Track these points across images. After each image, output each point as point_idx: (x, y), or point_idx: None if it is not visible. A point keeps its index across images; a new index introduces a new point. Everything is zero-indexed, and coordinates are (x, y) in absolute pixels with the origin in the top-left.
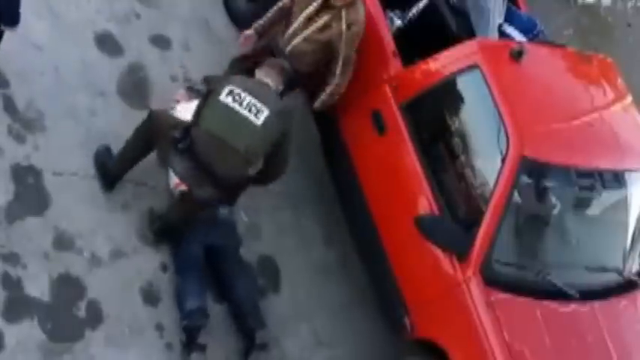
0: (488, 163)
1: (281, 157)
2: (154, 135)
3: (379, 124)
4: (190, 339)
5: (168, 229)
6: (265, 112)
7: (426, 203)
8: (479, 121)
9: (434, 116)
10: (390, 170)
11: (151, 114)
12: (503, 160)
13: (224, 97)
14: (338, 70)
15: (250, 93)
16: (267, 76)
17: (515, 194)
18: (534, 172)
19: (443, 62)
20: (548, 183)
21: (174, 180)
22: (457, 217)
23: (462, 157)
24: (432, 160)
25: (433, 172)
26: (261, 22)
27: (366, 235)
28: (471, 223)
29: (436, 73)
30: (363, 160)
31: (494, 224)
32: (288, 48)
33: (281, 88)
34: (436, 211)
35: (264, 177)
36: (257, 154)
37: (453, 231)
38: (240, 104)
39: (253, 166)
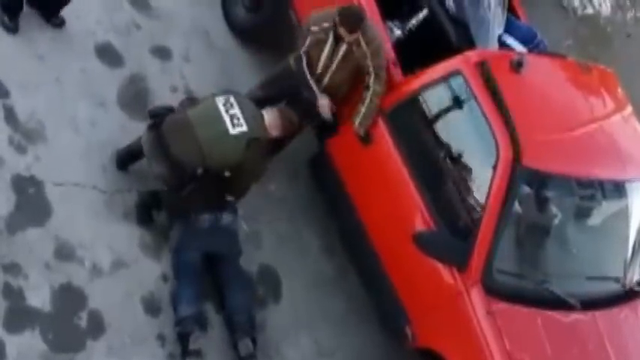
0: (483, 172)
1: (242, 180)
2: None
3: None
4: (183, 345)
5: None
6: (243, 129)
7: (419, 215)
8: (471, 130)
9: (428, 125)
10: (380, 180)
11: None
12: (494, 168)
13: (218, 99)
14: (371, 81)
15: (241, 109)
16: (270, 116)
17: (515, 204)
18: (534, 182)
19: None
20: (548, 193)
21: None
22: (454, 226)
23: (456, 167)
24: (425, 170)
25: (425, 182)
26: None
27: (360, 247)
28: (468, 232)
29: (431, 81)
30: (351, 171)
31: (490, 233)
32: (322, 87)
33: (275, 134)
34: (431, 223)
35: (230, 188)
36: (213, 154)
37: (451, 244)
38: (227, 111)
39: (205, 164)
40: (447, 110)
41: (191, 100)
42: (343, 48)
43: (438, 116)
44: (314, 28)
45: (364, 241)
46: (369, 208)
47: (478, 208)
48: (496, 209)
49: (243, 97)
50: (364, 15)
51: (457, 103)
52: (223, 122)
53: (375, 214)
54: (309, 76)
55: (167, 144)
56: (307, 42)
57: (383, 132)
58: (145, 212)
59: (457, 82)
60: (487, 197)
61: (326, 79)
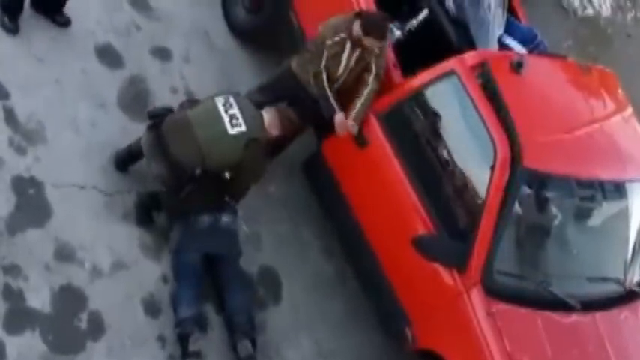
0: (481, 173)
1: (242, 181)
2: None
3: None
4: (183, 346)
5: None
6: (242, 129)
7: (417, 217)
8: (468, 131)
9: (424, 127)
10: (377, 182)
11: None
12: (492, 169)
13: (218, 99)
14: (371, 79)
15: (240, 109)
16: (269, 116)
17: (515, 204)
18: (534, 183)
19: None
20: (548, 193)
21: None
22: (453, 228)
23: (454, 168)
24: (422, 172)
25: (423, 184)
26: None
27: (359, 249)
28: (468, 233)
29: (426, 83)
30: (348, 173)
31: (489, 233)
32: (336, 91)
33: (274, 134)
34: (429, 225)
35: (229, 189)
36: (212, 154)
37: (450, 245)
38: (226, 111)
39: (204, 165)
40: (443, 111)
41: (191, 102)
42: (357, 52)
43: (434, 118)
44: (329, 42)
45: (362, 244)
46: (367, 210)
47: (477, 209)
48: (495, 209)
49: (242, 98)
50: (387, 20)
51: (453, 104)
52: (222, 122)
53: (372, 216)
54: (329, 92)
55: (166, 144)
56: (324, 57)
57: (379, 134)
58: (145, 213)
59: (452, 83)
60: (486, 197)
61: (339, 83)
